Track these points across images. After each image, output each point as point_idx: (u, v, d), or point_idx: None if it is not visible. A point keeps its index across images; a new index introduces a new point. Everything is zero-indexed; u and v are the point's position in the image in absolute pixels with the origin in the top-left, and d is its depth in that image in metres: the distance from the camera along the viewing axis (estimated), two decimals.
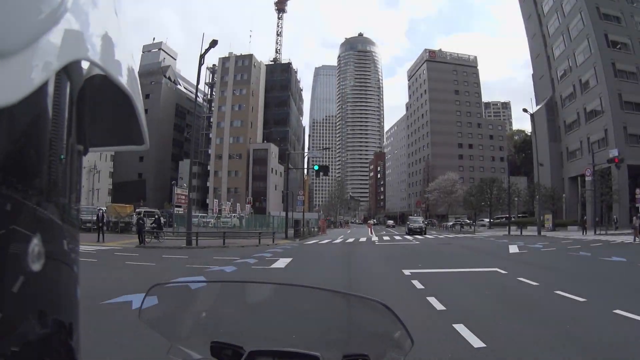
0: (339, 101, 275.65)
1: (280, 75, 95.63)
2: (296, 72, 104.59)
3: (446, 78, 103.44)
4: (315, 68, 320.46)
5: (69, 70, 0.48)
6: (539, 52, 68.96)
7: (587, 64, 55.60)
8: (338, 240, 29.76)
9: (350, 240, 30.04)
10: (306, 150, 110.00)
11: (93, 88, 0.53)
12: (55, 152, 0.46)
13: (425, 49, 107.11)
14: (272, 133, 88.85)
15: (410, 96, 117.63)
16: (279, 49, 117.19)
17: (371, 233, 43.61)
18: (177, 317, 1.34)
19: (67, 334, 0.50)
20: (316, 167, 32.19)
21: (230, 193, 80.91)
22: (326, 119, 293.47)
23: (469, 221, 61.12)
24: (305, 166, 62.13)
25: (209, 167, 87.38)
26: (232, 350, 1.09)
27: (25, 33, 0.38)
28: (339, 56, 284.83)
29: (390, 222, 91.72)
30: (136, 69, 0.57)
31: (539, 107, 66.78)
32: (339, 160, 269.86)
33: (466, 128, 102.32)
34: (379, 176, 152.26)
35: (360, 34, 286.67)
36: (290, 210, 44.14)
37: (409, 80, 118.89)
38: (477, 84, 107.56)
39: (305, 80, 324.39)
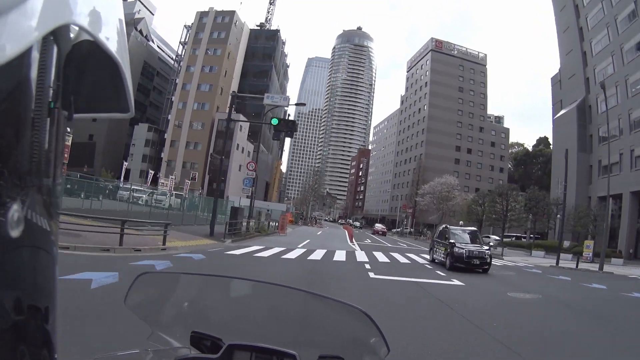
0: (328, 94, 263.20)
1: (265, 43, 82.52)
2: (284, 44, 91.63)
3: (451, 72, 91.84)
4: (308, 58, 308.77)
5: (56, 35, 0.46)
6: (571, 47, 57.54)
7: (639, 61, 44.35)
8: (294, 253, 16.72)
9: (318, 254, 17.05)
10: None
11: (80, 53, 0.51)
12: (42, 117, 0.44)
13: (432, 38, 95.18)
14: (245, 106, 75.76)
15: (407, 88, 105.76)
16: (270, 19, 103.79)
17: (352, 241, 30.84)
18: (160, 305, 1.38)
19: (43, 319, 0.48)
20: (275, 121, 19.32)
21: (186, 168, 67.83)
22: (313, 112, 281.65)
23: None
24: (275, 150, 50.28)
25: (166, 136, 73.82)
26: (212, 341, 1.12)
27: None
28: (333, 47, 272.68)
29: (380, 226, 70.88)
30: (125, 36, 0.55)
31: (565, 110, 55.47)
32: (320, 154, 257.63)
33: (467, 130, 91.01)
34: (360, 174, 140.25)
35: (359, 28, 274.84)
36: (253, 198, 31.47)
37: (407, 72, 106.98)
38: (484, 84, 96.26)
39: (297, 70, 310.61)
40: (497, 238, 47.87)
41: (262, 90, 79.52)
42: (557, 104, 61.10)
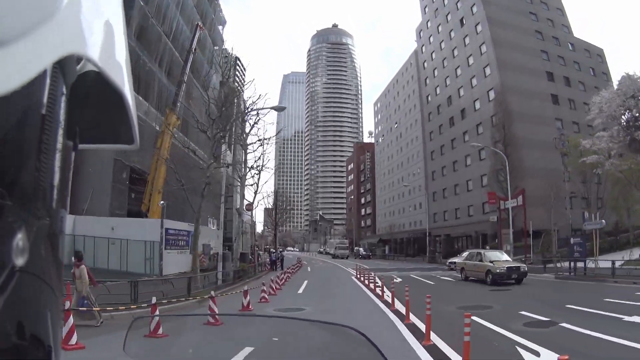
0: (308, 102, 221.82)
1: None
2: None
3: None
4: (284, 75, 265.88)
5: (63, 65, 0.46)
6: None
7: None
8: None
9: None
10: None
11: (86, 84, 0.51)
12: (47, 147, 0.44)
13: None
14: None
15: (425, 9, 62.27)
16: None
17: None
18: (164, 352, 1.39)
19: (45, 354, 0.46)
20: None
21: None
22: (295, 136, 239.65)
23: None
24: None
25: None
26: None
27: (20, 23, 0.36)
28: (308, 50, 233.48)
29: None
30: (130, 67, 0.55)
31: None
32: (307, 174, 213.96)
33: (553, 46, 49.42)
34: (362, 178, 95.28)
35: (335, 25, 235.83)
36: None
37: None
38: None
39: (272, 95, 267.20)
40: None
41: None
42: None
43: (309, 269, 33.02)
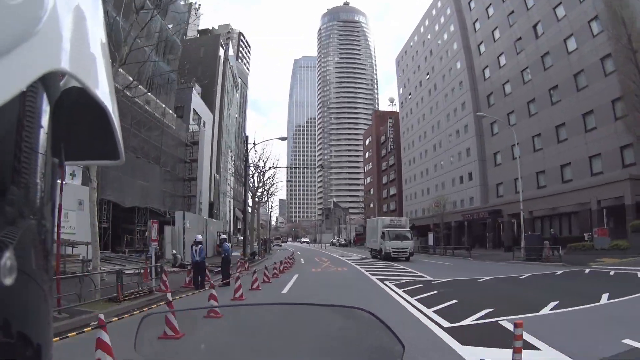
0: (320, 85, 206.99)
1: None
2: None
3: None
4: (294, 60, 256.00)
5: (45, 81, 0.46)
6: None
7: None
8: None
9: None
10: None
11: (69, 100, 0.51)
12: (31, 165, 0.44)
13: None
14: None
15: None
16: None
17: None
18: (176, 350, 1.41)
19: (35, 353, 0.46)
20: None
21: None
22: (309, 122, 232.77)
23: None
24: None
25: None
26: None
27: (1, 41, 0.36)
28: (319, 30, 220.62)
29: None
30: (112, 82, 0.55)
31: None
32: (320, 160, 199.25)
33: None
34: (383, 154, 79.80)
35: (346, 3, 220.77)
36: None
37: None
38: None
39: (282, 81, 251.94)
40: None
41: None
42: None
43: (288, 286, 14.90)
